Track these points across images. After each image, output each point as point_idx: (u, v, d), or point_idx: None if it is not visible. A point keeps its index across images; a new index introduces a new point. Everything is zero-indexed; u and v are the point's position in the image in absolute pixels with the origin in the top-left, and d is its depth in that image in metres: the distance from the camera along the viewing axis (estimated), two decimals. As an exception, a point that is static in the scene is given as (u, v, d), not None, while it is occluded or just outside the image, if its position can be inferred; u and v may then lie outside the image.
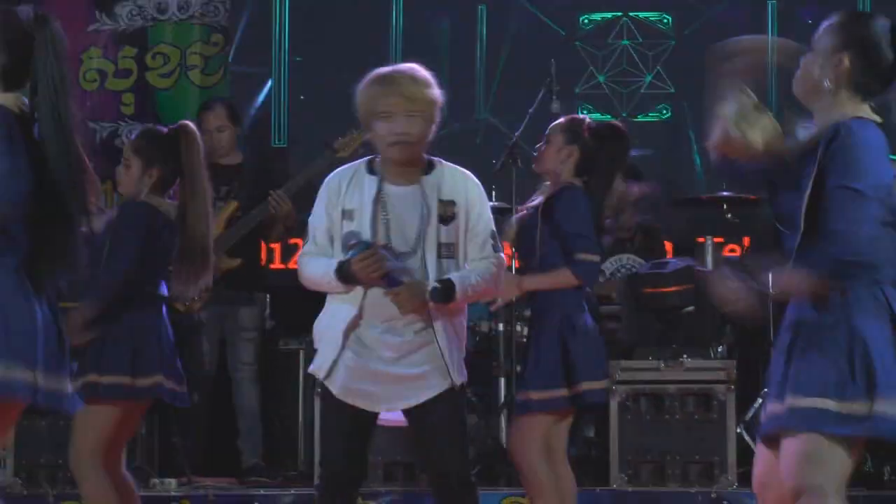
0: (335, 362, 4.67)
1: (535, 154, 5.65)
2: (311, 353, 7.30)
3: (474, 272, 4.66)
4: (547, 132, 5.64)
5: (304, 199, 7.62)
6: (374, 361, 4.63)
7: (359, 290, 4.61)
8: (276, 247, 8.23)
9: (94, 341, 5.17)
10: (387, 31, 8.47)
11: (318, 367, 4.76)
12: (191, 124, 5.37)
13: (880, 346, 3.76)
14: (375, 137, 4.67)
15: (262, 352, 7.39)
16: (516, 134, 6.74)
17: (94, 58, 8.48)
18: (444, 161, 4.77)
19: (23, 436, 6.57)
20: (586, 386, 5.38)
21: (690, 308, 6.83)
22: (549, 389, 5.35)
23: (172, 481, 6.77)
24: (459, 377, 4.65)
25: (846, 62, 3.87)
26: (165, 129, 5.42)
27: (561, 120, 5.69)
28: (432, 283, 4.59)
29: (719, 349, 6.84)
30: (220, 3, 8.63)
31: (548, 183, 5.57)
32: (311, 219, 4.77)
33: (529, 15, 8.51)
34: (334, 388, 4.67)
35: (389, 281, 4.55)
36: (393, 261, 4.58)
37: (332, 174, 4.79)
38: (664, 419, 6.60)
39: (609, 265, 7.37)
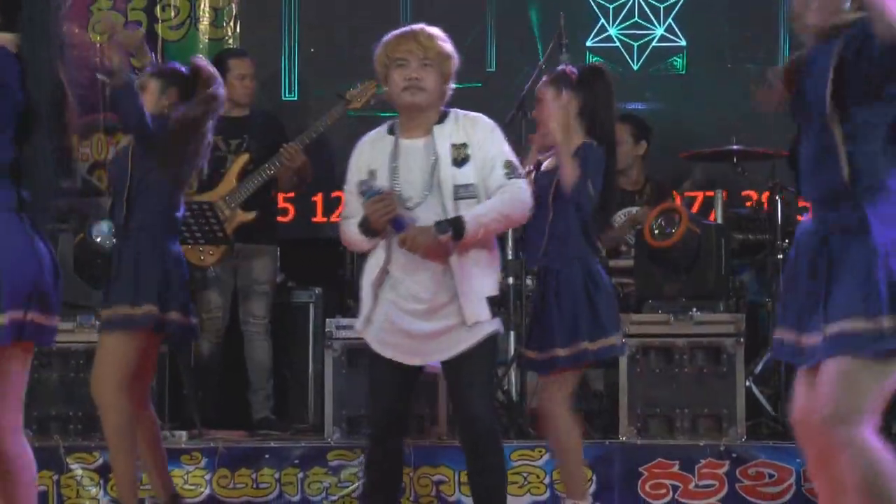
0: (369, 316, 4.86)
1: (532, 132, 5.66)
2: (320, 307, 7.45)
3: (485, 204, 4.77)
4: (535, 92, 5.63)
5: (318, 151, 7.72)
6: (404, 315, 4.81)
7: (383, 244, 4.80)
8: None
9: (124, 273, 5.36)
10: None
11: (358, 323, 4.97)
12: (207, 66, 5.54)
13: None
14: (391, 87, 4.86)
15: (274, 305, 7.44)
16: (526, 86, 6.76)
17: (103, 9, 8.49)
18: (458, 110, 4.92)
19: (34, 388, 6.58)
20: (612, 340, 5.43)
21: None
22: (575, 345, 5.39)
23: (183, 433, 6.82)
24: (474, 318, 4.77)
25: None
26: (185, 69, 5.58)
27: (544, 78, 5.68)
28: (439, 221, 4.72)
29: (728, 302, 6.86)
30: (231, -46, 8.63)
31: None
32: (345, 185, 4.97)
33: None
34: (371, 341, 4.87)
35: (397, 224, 4.71)
36: (403, 209, 4.73)
37: (360, 140, 4.99)
38: (673, 372, 6.61)
39: (619, 218, 7.40)
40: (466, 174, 4.80)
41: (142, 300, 5.32)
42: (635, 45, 8.49)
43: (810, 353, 3.87)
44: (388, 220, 4.71)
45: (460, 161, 4.80)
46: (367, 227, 4.77)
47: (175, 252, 5.47)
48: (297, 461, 6.60)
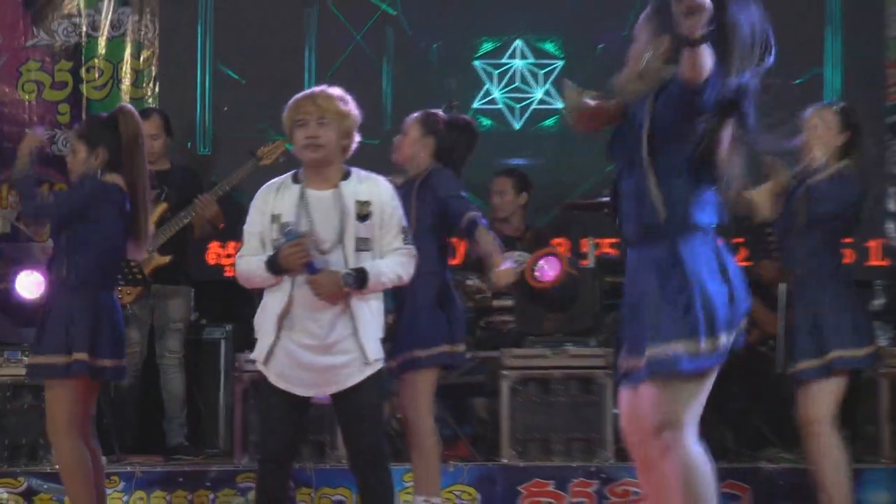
0: (271, 350, 4.81)
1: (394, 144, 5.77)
2: (230, 343, 7.41)
3: (387, 264, 4.82)
4: (405, 124, 5.75)
5: (230, 202, 7.68)
6: (302, 351, 4.77)
7: (287, 282, 4.77)
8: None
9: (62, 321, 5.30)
10: (302, 50, 8.45)
11: (257, 355, 4.91)
12: (128, 105, 5.54)
13: (715, 289, 3.90)
14: (295, 144, 4.88)
15: (188, 341, 7.38)
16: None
17: (32, 70, 8.43)
18: (359, 170, 4.95)
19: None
20: (460, 348, 5.56)
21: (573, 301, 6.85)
22: (433, 348, 5.48)
23: (104, 459, 6.72)
24: (376, 361, 4.81)
25: (667, 42, 3.91)
26: (104, 114, 5.51)
27: (417, 114, 5.79)
28: (347, 270, 4.74)
29: (599, 338, 6.86)
30: (149, 21, 8.59)
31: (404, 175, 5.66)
32: (245, 225, 4.92)
33: (432, 35, 8.55)
34: (271, 374, 4.82)
35: (310, 268, 4.69)
36: (316, 253, 4.72)
37: (263, 186, 4.97)
38: (550, 401, 6.64)
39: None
40: (366, 229, 4.83)
41: (73, 349, 5.29)
42: (517, 106, 8.56)
43: (636, 374, 3.98)
44: (303, 262, 4.68)
45: (363, 217, 4.82)
46: (277, 267, 4.73)
47: (108, 302, 5.41)
48: (208, 483, 6.57)
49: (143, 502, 6.51)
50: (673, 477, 3.92)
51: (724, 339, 3.90)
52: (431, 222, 5.53)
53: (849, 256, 6.21)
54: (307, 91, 4.93)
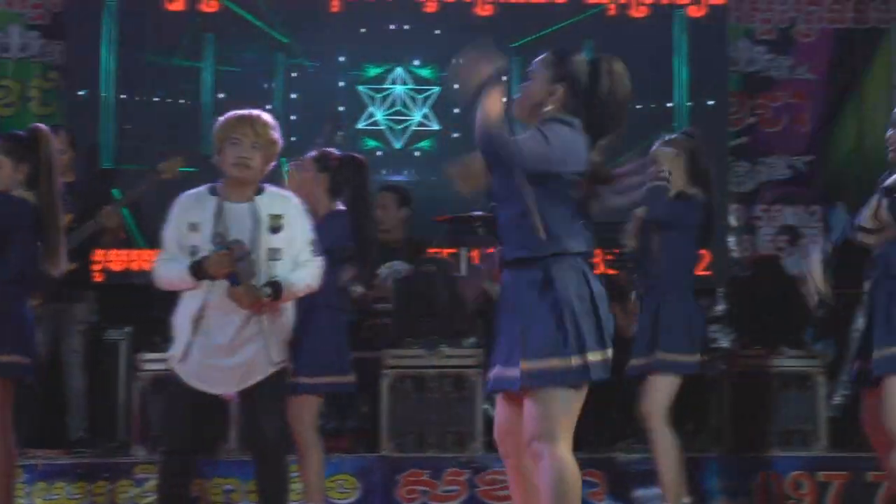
0: (186, 350, 4.81)
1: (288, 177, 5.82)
2: (130, 343, 7.39)
3: (298, 276, 4.85)
4: (301, 161, 5.85)
5: (133, 214, 7.71)
6: (214, 351, 4.78)
7: (204, 286, 4.77)
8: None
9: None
10: (199, 72, 8.47)
11: (172, 354, 4.88)
12: (42, 126, 5.46)
13: (584, 311, 4.04)
14: (224, 159, 4.86)
15: (90, 341, 7.40)
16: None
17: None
18: (271, 186, 4.98)
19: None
20: (348, 378, 5.65)
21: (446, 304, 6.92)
22: (317, 377, 5.57)
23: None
24: (281, 363, 4.86)
25: (560, 91, 4.16)
26: (22, 132, 5.48)
27: (312, 152, 5.87)
28: (264, 282, 4.76)
29: (471, 339, 6.95)
30: (56, 44, 8.56)
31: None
32: (164, 232, 4.90)
33: (319, 60, 8.64)
34: (184, 372, 4.82)
35: (232, 279, 4.72)
36: (242, 262, 4.75)
37: (181, 195, 4.95)
38: (426, 397, 6.70)
39: (383, 270, 7.52)
40: (279, 241, 4.86)
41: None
42: (398, 128, 8.64)
43: (509, 382, 4.09)
44: (226, 272, 4.73)
45: (275, 229, 4.85)
46: (202, 272, 4.73)
47: (23, 305, 5.38)
48: (107, 475, 6.53)
49: (44, 492, 6.47)
50: (544, 485, 4.00)
51: (596, 357, 4.02)
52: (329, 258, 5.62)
53: (700, 267, 6.36)
54: (246, 112, 4.90)
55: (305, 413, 5.57)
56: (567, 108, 4.16)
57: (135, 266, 8.25)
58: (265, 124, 4.87)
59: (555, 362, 4.00)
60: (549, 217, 4.06)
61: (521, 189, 4.05)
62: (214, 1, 8.48)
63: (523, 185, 4.05)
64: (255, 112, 4.92)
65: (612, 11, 8.68)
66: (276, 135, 4.91)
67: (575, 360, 4.01)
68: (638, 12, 8.69)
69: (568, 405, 4.04)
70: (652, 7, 8.73)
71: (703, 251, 6.99)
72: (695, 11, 8.72)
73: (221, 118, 4.91)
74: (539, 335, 4.01)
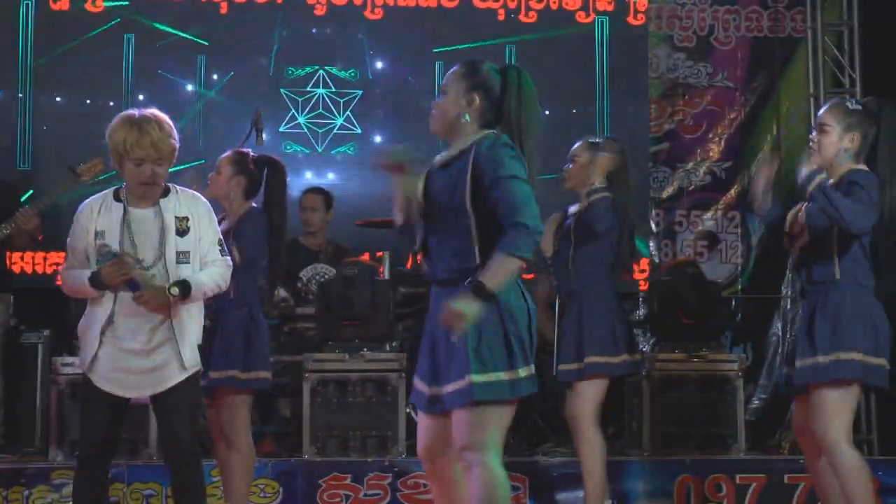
0: (95, 356, 4.76)
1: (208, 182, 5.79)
2: (48, 347, 7.30)
3: (208, 274, 4.83)
4: (217, 162, 5.82)
5: (49, 215, 7.61)
6: (125, 355, 4.74)
7: (110, 294, 4.74)
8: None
9: None
10: (120, 74, 8.43)
11: (81, 361, 4.85)
12: None
13: (524, 327, 4.08)
14: (126, 175, 4.79)
15: (6, 345, 7.28)
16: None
17: None
18: (177, 186, 4.94)
19: None
20: (265, 374, 5.61)
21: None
22: (251, 371, 5.56)
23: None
24: (193, 366, 4.80)
25: (477, 100, 4.18)
26: None
27: (228, 153, 5.83)
28: (172, 282, 4.72)
29: (393, 344, 6.97)
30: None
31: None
32: (69, 240, 4.85)
33: (240, 63, 8.60)
34: (94, 377, 4.77)
35: (132, 285, 4.68)
36: (137, 268, 4.71)
37: (84, 202, 4.88)
38: (348, 401, 6.70)
39: (305, 272, 7.50)
40: (186, 243, 4.81)
41: None
42: (320, 131, 8.64)
43: (446, 400, 4.09)
44: (123, 280, 4.67)
45: (182, 231, 4.80)
46: (100, 284, 4.69)
47: None
48: (23, 480, 6.45)
49: (-40, 499, 6.50)
50: (475, 494, 4.01)
51: (531, 370, 4.07)
52: (248, 257, 5.61)
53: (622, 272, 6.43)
54: (140, 126, 4.72)
55: (236, 416, 5.53)
56: (485, 118, 4.19)
57: (52, 269, 8.16)
58: (165, 138, 4.75)
59: (503, 375, 4.01)
60: (488, 234, 4.07)
61: (466, 204, 4.07)
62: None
63: (465, 210, 4.07)
64: (147, 117, 4.76)
65: (534, 18, 8.75)
66: (174, 140, 4.80)
67: (522, 372, 4.04)
68: (560, 17, 8.76)
69: (503, 417, 4.07)
70: (574, 14, 8.78)
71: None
72: (616, 19, 8.80)
73: (115, 124, 4.77)
74: (488, 348, 4.02)
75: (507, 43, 8.69)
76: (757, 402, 8.49)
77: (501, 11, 8.77)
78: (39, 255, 8.15)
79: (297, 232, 7.89)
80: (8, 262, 7.53)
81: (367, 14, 8.67)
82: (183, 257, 4.79)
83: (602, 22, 8.80)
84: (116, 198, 4.84)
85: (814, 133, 5.05)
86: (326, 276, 7.31)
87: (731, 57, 9.11)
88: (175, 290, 4.71)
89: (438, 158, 4.25)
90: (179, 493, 4.84)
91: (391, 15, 8.68)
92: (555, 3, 8.81)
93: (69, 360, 6.66)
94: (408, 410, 6.82)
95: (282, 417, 7.23)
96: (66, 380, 6.69)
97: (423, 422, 4.24)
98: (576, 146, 6.10)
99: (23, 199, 7.56)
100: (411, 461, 6.55)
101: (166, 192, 4.86)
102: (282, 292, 7.20)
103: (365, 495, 6.53)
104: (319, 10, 8.68)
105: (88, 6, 8.45)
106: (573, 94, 8.51)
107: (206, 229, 4.87)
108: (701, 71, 9.09)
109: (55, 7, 8.44)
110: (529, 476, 6.63)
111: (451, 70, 4.29)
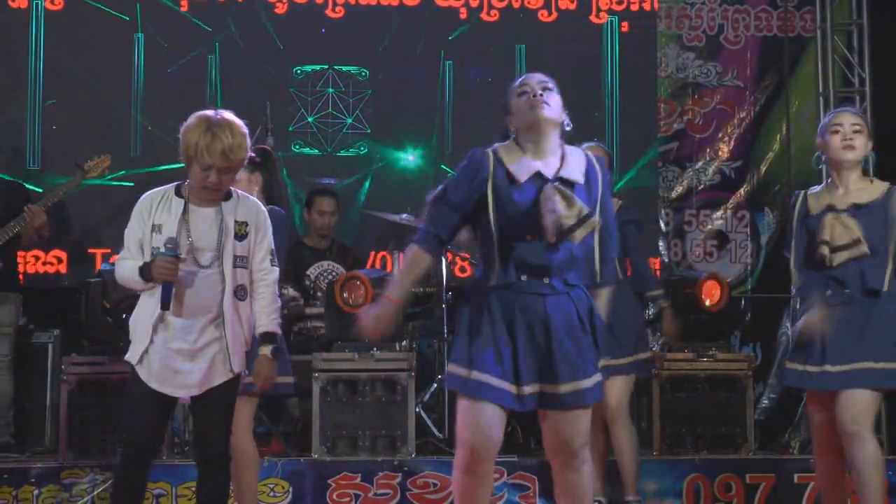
0: (146, 351, 4.70)
1: None
2: (58, 346, 7.31)
3: (270, 303, 4.81)
4: None
5: (57, 213, 7.62)
6: (174, 355, 4.69)
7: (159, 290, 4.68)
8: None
9: None
10: (129, 74, 8.40)
11: (131, 356, 4.74)
12: None
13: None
14: (192, 175, 4.71)
15: (17, 345, 7.27)
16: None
17: None
18: (239, 191, 4.87)
19: None
20: (286, 379, 5.56)
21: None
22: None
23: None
24: (238, 368, 4.77)
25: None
26: None
27: None
28: (230, 287, 4.69)
29: (402, 343, 6.98)
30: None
31: None
32: (126, 231, 4.77)
33: (250, 64, 8.59)
34: (143, 373, 4.71)
35: (166, 290, 4.62)
36: (184, 274, 4.64)
37: (144, 195, 4.81)
38: (357, 401, 6.68)
39: (312, 270, 7.48)
40: (244, 247, 4.77)
41: None
42: (329, 130, 8.62)
43: (567, 400, 4.33)
44: (165, 279, 4.60)
45: (241, 236, 4.76)
46: (148, 274, 4.62)
47: None
48: (33, 480, 6.43)
49: (-32, 499, 6.57)
50: (589, 482, 4.44)
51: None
52: None
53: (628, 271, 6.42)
54: (214, 131, 4.59)
55: (241, 417, 5.49)
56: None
57: (63, 268, 8.17)
58: (239, 148, 4.66)
59: (598, 379, 4.35)
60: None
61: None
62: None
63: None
64: (223, 122, 4.65)
65: (545, 18, 8.74)
66: (247, 143, 4.70)
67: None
68: (570, 18, 8.75)
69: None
70: (584, 13, 8.77)
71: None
72: (625, 18, 8.79)
73: (191, 124, 4.68)
74: (589, 356, 4.33)
75: (517, 43, 8.68)
76: (766, 401, 8.46)
77: (510, 12, 8.76)
78: (52, 254, 8.14)
79: (299, 230, 7.90)
80: (17, 261, 7.53)
81: (377, 13, 8.66)
82: (240, 262, 4.76)
83: (612, 22, 8.79)
84: (178, 194, 4.77)
85: (847, 131, 5.16)
86: (334, 274, 7.27)
87: (740, 56, 9.10)
88: (268, 351, 4.81)
89: (544, 168, 4.41)
90: (203, 495, 4.79)
91: (401, 15, 8.66)
92: (564, 3, 8.79)
93: (79, 359, 6.66)
94: (417, 409, 6.81)
95: (291, 417, 7.21)
96: (75, 379, 6.66)
97: (496, 414, 4.30)
98: None
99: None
100: (421, 461, 6.56)
101: (228, 196, 4.80)
102: (290, 291, 7.19)
103: (374, 495, 6.52)
104: (334, 13, 8.67)
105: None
106: (583, 93, 8.49)
107: (262, 237, 4.83)
108: (710, 70, 9.07)
109: (52, 8, 8.44)
110: (538, 476, 6.59)
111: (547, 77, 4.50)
